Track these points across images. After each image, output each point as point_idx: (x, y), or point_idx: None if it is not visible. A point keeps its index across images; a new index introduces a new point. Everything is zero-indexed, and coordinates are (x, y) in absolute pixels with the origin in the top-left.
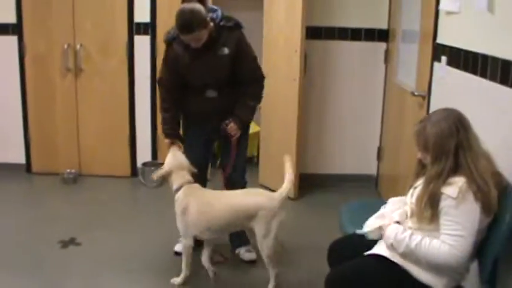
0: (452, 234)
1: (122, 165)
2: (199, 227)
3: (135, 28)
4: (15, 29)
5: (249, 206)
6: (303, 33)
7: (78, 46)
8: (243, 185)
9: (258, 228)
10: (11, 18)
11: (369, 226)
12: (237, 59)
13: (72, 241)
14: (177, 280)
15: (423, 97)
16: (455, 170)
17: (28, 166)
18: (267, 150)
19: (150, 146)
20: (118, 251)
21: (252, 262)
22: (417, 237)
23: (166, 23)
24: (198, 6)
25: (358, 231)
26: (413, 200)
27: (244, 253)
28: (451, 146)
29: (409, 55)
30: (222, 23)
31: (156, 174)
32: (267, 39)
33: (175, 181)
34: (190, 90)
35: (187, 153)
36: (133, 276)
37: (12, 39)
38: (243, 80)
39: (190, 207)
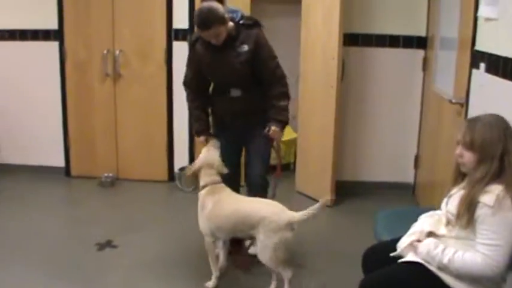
0: (488, 244)
1: (159, 169)
2: (212, 225)
3: (173, 34)
4: (56, 35)
5: (253, 214)
6: (340, 40)
7: (117, 52)
8: (264, 185)
9: (259, 238)
10: (53, 25)
11: (401, 246)
12: (256, 56)
13: (108, 243)
14: (210, 284)
15: (461, 105)
16: (497, 176)
17: (67, 169)
18: (304, 157)
19: (187, 151)
20: (154, 254)
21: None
22: (450, 252)
23: None
24: (215, 3)
25: (392, 254)
26: (449, 208)
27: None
28: (497, 152)
29: (447, 62)
30: (241, 22)
31: (188, 171)
32: (305, 46)
33: (202, 179)
34: (215, 91)
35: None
36: (169, 279)
37: (54, 45)
38: (264, 80)
39: (206, 206)
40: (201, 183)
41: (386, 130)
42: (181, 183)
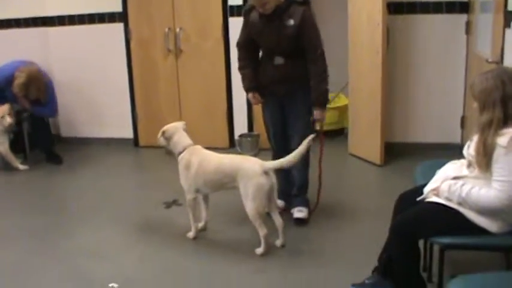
0: (500, 180)
1: (220, 137)
2: (198, 181)
3: (229, 11)
4: (121, 16)
5: (231, 166)
6: (384, 7)
7: (177, 29)
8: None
9: (240, 188)
10: (117, 7)
11: (426, 190)
12: (300, 32)
13: (174, 202)
14: (190, 234)
15: (497, 63)
16: (505, 122)
17: (136, 140)
18: (355, 120)
19: (246, 119)
20: (213, 210)
21: (301, 220)
22: (467, 187)
23: None
24: None
25: (418, 199)
26: (470, 151)
27: (296, 212)
28: (496, 97)
29: (486, 24)
30: None
31: (159, 141)
32: (352, 15)
33: (179, 143)
34: (262, 58)
35: (266, 116)
36: (225, 232)
37: (119, 26)
38: (306, 55)
39: (192, 164)
40: (179, 147)
41: (433, 93)
42: (241, 148)
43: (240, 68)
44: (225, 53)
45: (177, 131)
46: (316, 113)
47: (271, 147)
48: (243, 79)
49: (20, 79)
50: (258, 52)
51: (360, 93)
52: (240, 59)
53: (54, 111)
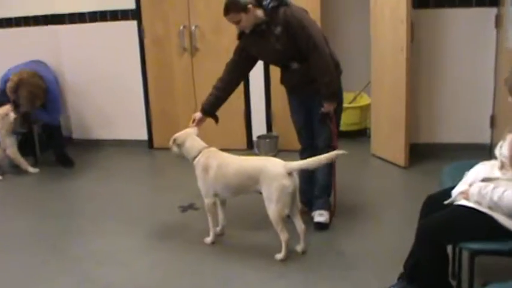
0: None
1: (238, 138)
2: (217, 185)
3: None
4: (134, 14)
5: (254, 168)
6: (408, 3)
7: (193, 27)
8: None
9: (263, 190)
10: (131, 5)
11: (454, 193)
12: (289, 33)
13: (191, 206)
14: (208, 239)
15: None
16: None
17: (150, 142)
18: (378, 120)
19: (265, 120)
20: (232, 212)
21: (321, 224)
22: (500, 190)
23: None
24: None
25: (446, 202)
26: (502, 151)
27: (316, 216)
28: None
29: None
30: (269, 6)
31: (172, 148)
32: (374, 11)
33: (193, 148)
34: (279, 66)
35: (291, 112)
36: (244, 232)
37: (132, 24)
38: (304, 53)
39: (210, 167)
40: (193, 152)
41: (460, 91)
42: (259, 150)
43: (214, 87)
44: None
45: (188, 136)
46: (326, 107)
47: (298, 141)
48: (207, 98)
49: (10, 83)
50: (244, 75)
51: (383, 92)
52: (219, 78)
53: (53, 119)
